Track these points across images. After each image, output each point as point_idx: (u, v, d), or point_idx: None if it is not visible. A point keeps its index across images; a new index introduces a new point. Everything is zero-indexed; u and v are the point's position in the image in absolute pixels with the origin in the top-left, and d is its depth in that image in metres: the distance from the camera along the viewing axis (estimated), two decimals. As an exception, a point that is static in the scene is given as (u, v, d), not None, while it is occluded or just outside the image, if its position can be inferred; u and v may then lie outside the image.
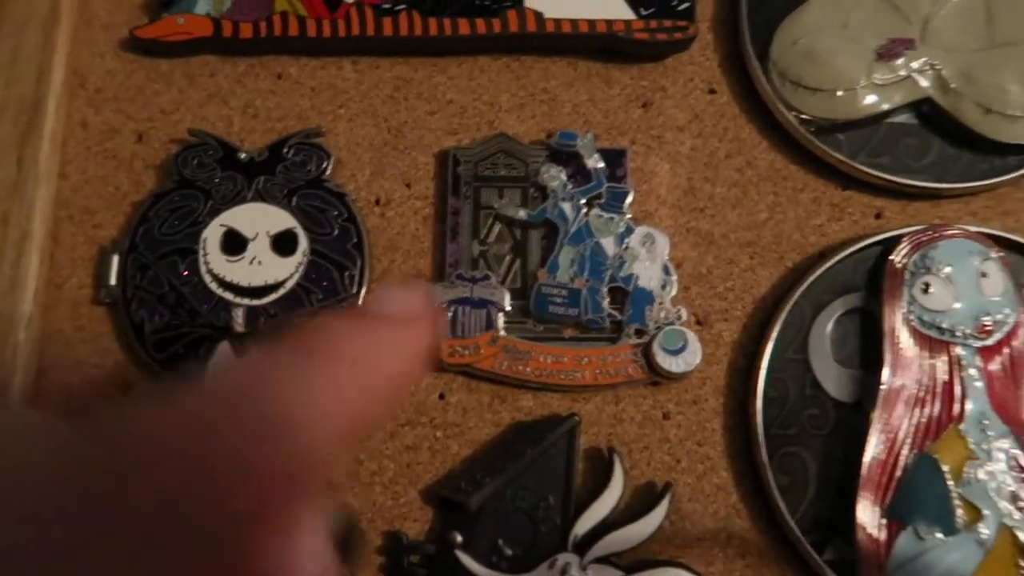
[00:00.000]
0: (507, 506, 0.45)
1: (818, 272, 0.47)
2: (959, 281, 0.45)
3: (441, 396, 0.48)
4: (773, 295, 0.49)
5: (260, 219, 0.48)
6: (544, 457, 0.46)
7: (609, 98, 0.52)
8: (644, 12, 0.50)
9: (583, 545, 0.44)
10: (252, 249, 0.48)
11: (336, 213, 0.48)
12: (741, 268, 0.49)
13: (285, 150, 0.49)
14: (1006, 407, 0.44)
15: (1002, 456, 0.43)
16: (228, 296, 0.47)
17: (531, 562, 0.44)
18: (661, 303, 0.47)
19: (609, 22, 0.50)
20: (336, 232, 0.48)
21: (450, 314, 0.47)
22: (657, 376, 0.46)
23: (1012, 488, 0.42)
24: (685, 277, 0.49)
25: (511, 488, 0.45)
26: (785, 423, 0.46)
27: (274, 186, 0.49)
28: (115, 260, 0.48)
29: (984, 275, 0.45)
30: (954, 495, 0.42)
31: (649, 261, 0.48)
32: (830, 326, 0.47)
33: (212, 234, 0.48)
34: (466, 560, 0.44)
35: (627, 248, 0.48)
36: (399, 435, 0.47)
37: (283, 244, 0.48)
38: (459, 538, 0.44)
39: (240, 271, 0.48)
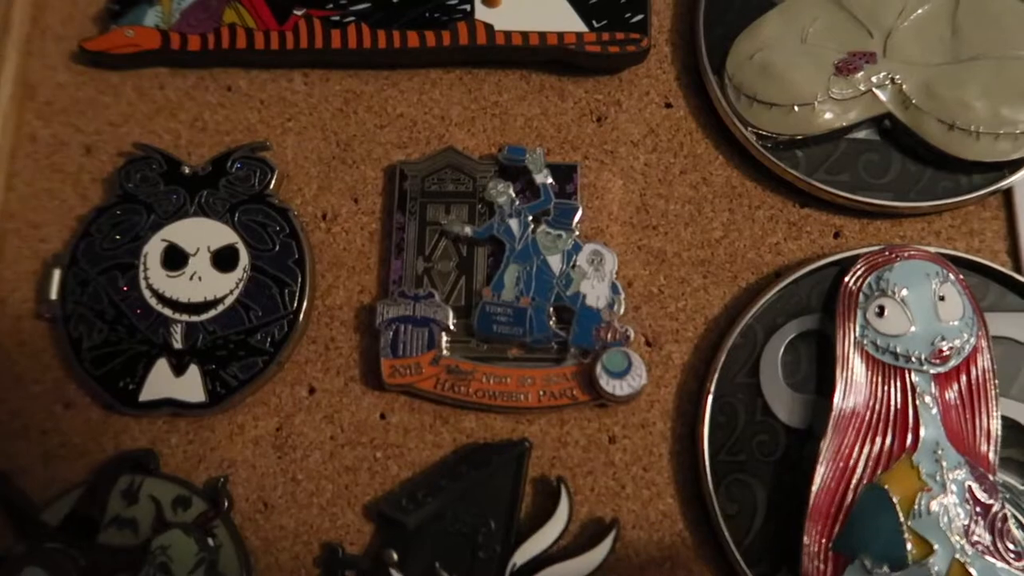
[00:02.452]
0: (446, 528, 0.44)
1: (772, 292, 0.46)
2: (915, 305, 0.43)
3: (382, 416, 0.47)
4: (726, 316, 0.47)
5: (202, 234, 0.48)
6: (489, 481, 0.44)
7: (562, 112, 0.51)
8: (596, 24, 0.49)
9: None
10: (193, 264, 0.47)
11: (278, 228, 0.48)
12: (694, 287, 0.48)
13: (229, 164, 0.49)
14: (961, 436, 0.42)
15: (955, 488, 0.41)
16: (167, 312, 0.47)
17: (466, 588, 0.43)
18: (608, 323, 0.46)
19: (560, 35, 0.49)
20: (277, 248, 0.47)
21: (391, 332, 0.46)
22: (601, 399, 0.45)
23: (964, 521, 0.40)
24: (636, 296, 0.48)
25: (452, 510, 0.44)
26: (734, 449, 0.45)
27: (217, 200, 0.48)
28: (56, 274, 0.48)
29: (942, 298, 0.44)
30: (904, 528, 0.40)
31: (597, 279, 0.47)
32: (783, 349, 0.46)
33: (153, 249, 0.47)
34: (399, 581, 0.43)
35: (574, 266, 0.47)
36: (338, 455, 0.46)
37: (224, 260, 0.47)
38: (395, 556, 0.43)
39: (180, 287, 0.47)
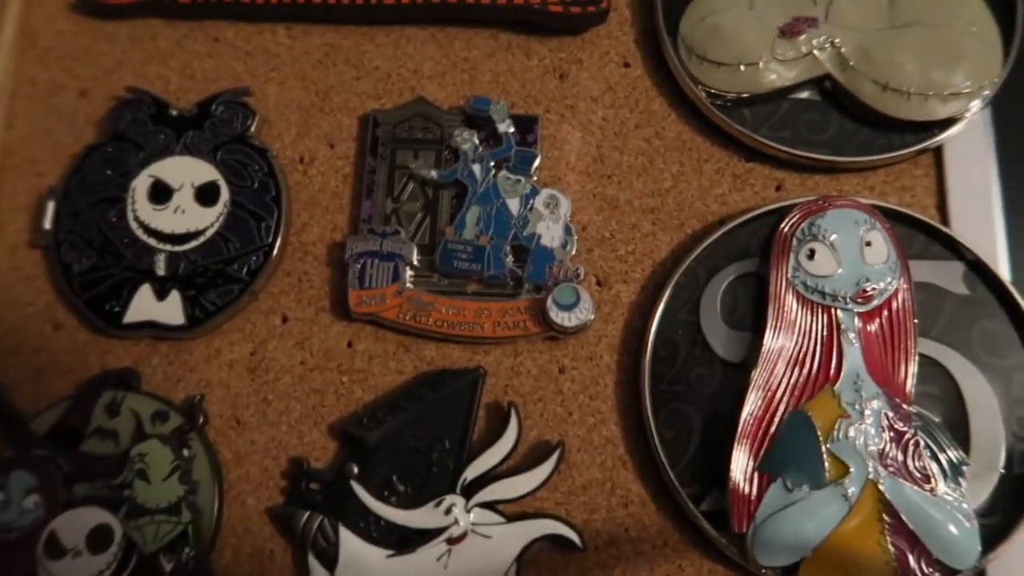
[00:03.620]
0: (404, 445, 0.47)
1: (714, 237, 0.49)
2: (843, 248, 0.47)
3: (349, 344, 0.50)
4: (672, 259, 0.50)
5: (186, 171, 0.51)
6: (445, 403, 0.48)
7: (527, 69, 0.54)
8: (560, -14, 0.53)
9: (471, 489, 0.46)
10: (177, 199, 0.51)
11: (257, 168, 0.51)
12: (643, 233, 0.51)
13: (213, 107, 0.52)
14: (880, 369, 0.45)
15: (872, 415, 0.44)
16: (152, 242, 0.50)
17: (420, 500, 0.46)
18: (561, 262, 0.49)
19: (526, -5, 0.52)
20: (256, 185, 0.51)
21: (359, 265, 0.49)
22: (552, 331, 0.48)
23: (879, 446, 0.44)
24: (589, 239, 0.51)
25: (410, 429, 0.47)
26: (674, 380, 0.48)
27: (201, 141, 0.51)
28: (51, 205, 0.51)
29: (868, 244, 0.47)
30: (823, 451, 0.44)
31: (552, 222, 0.50)
32: (722, 289, 0.49)
33: (140, 184, 0.51)
34: (359, 490, 0.46)
35: (531, 209, 0.50)
36: (307, 379, 0.49)
37: (206, 195, 0.51)
38: (355, 469, 0.46)
39: (165, 219, 0.50)
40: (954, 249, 0.48)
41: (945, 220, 0.50)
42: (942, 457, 0.45)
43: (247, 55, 0.55)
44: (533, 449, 0.48)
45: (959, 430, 0.46)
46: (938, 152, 0.51)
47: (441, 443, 0.47)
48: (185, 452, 0.47)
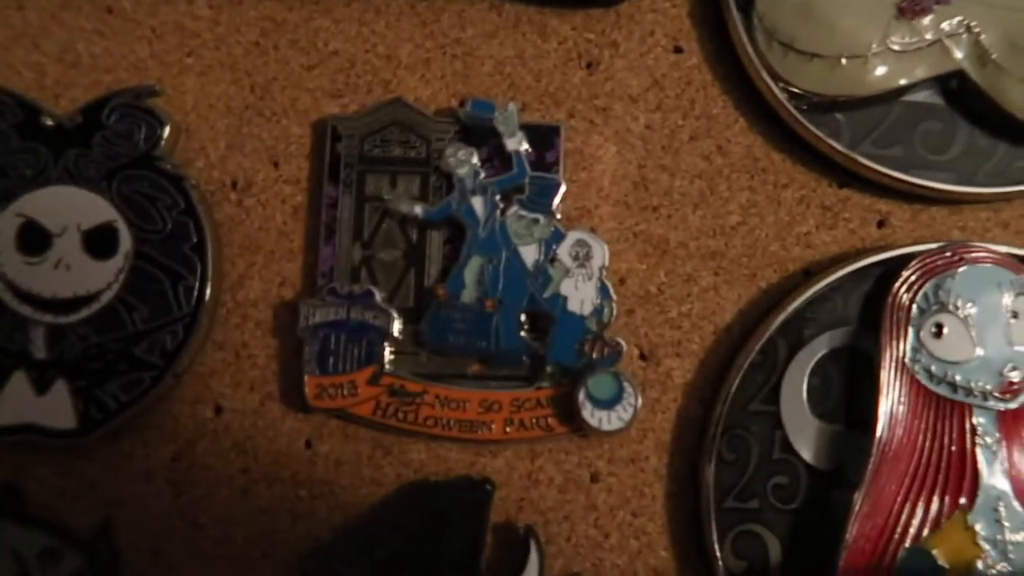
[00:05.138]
0: (387, 591, 0.36)
1: (801, 298, 0.38)
2: (982, 323, 0.35)
3: (308, 444, 0.38)
4: (741, 325, 0.39)
5: (69, 208, 0.37)
6: (441, 536, 0.37)
7: (543, 55, 0.41)
8: (589, -61, 0.38)
9: (481, 648, 0.35)
10: (58, 248, 0.37)
11: (170, 202, 0.37)
12: (702, 287, 0.40)
13: (105, 114, 0.38)
14: (1030, 490, 0.35)
15: (1018, 554, 0.34)
16: (25, 311, 0.36)
17: (411, 668, 0.35)
18: (595, 334, 0.37)
19: (542, -48, 0.38)
20: (169, 227, 0.37)
21: (318, 342, 0.37)
22: (583, 431, 0.36)
23: (1028, 598, 0.33)
24: (630, 297, 0.39)
25: (394, 568, 0.36)
26: (744, 494, 0.38)
27: (89, 163, 0.38)
28: None
29: (1015, 315, 0.35)
30: (955, 605, 0.33)
31: (582, 278, 0.38)
32: (810, 370, 0.38)
33: (6, 226, 0.37)
34: (328, 661, 0.35)
35: (554, 260, 0.38)
36: (252, 494, 0.38)
37: (98, 243, 0.37)
38: (322, 632, 0.35)
39: (42, 277, 0.37)
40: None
41: (1101, 269, 0.39)
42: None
43: (153, 34, 0.41)
44: (557, 585, 0.37)
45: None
46: (1097, 178, 0.39)
47: (438, 586, 0.36)
48: (85, 609, 0.35)
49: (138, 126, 0.38)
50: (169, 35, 0.41)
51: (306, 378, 0.37)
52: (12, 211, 0.37)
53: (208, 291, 0.38)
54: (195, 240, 0.37)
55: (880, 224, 0.40)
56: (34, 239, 0.37)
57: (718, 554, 0.36)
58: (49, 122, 0.38)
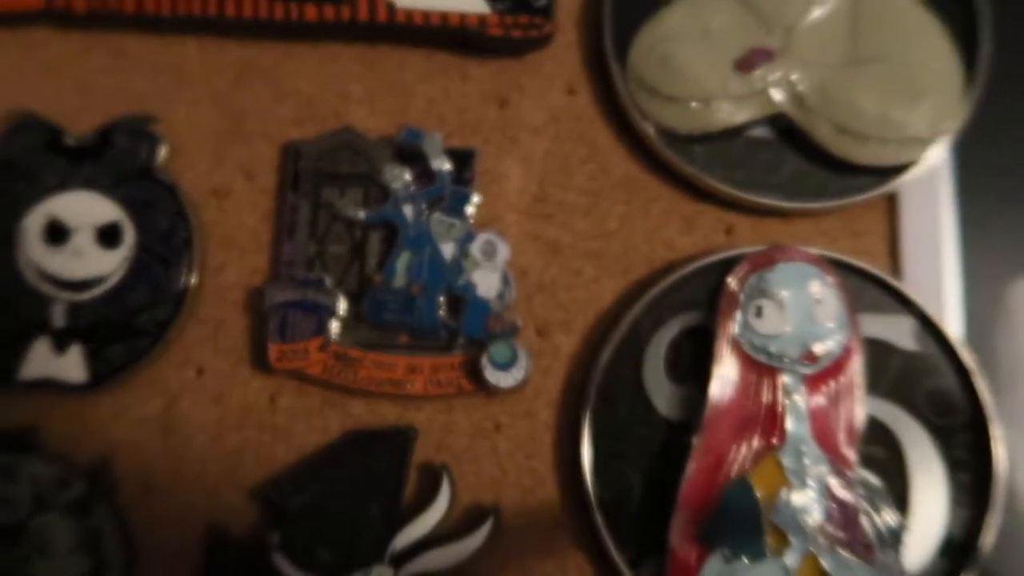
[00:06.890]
0: (328, 512, 0.44)
1: (661, 287, 0.47)
2: (792, 306, 0.44)
3: (271, 399, 0.47)
4: (616, 308, 0.48)
5: (85, 209, 0.46)
6: (373, 467, 0.45)
7: (465, 94, 0.50)
8: (500, 7, 0.48)
9: (400, 559, 0.44)
10: (75, 240, 0.46)
11: (165, 206, 0.46)
12: (586, 279, 0.48)
13: (114, 136, 0.47)
14: (826, 434, 0.44)
15: (815, 484, 0.43)
16: (49, 290, 0.45)
17: (345, 570, 0.44)
18: (498, 313, 0.46)
19: (463, 15, 0.48)
20: (164, 226, 0.46)
21: (279, 317, 0.46)
22: (486, 389, 0.46)
23: (820, 516, 0.42)
24: (529, 285, 0.48)
25: (335, 495, 0.44)
26: (615, 439, 0.46)
27: (101, 174, 0.46)
28: (-74, 245, 0.46)
29: (819, 301, 0.45)
30: (763, 522, 0.42)
31: (489, 270, 0.47)
32: (667, 343, 0.47)
33: (34, 222, 0.46)
34: (280, 561, 0.43)
35: (467, 255, 0.47)
36: (225, 438, 0.46)
37: (108, 237, 0.46)
38: (276, 539, 0.44)
39: (62, 263, 0.46)
40: (905, 303, 0.47)
41: (897, 268, 0.48)
42: (882, 525, 0.44)
43: (153, 71, 0.50)
44: (468, 513, 0.46)
45: (900, 493, 0.45)
46: (892, 197, 0.49)
47: (368, 509, 0.45)
48: (90, 523, 0.43)
49: (140, 145, 0.47)
50: (165, 73, 0.49)
51: (269, 345, 0.45)
52: (39, 211, 0.46)
53: (194, 277, 0.46)
54: (184, 236, 0.46)
55: (728, 231, 0.49)
56: (56, 233, 0.46)
57: (591, 488, 0.44)
58: (70, 141, 0.47)
